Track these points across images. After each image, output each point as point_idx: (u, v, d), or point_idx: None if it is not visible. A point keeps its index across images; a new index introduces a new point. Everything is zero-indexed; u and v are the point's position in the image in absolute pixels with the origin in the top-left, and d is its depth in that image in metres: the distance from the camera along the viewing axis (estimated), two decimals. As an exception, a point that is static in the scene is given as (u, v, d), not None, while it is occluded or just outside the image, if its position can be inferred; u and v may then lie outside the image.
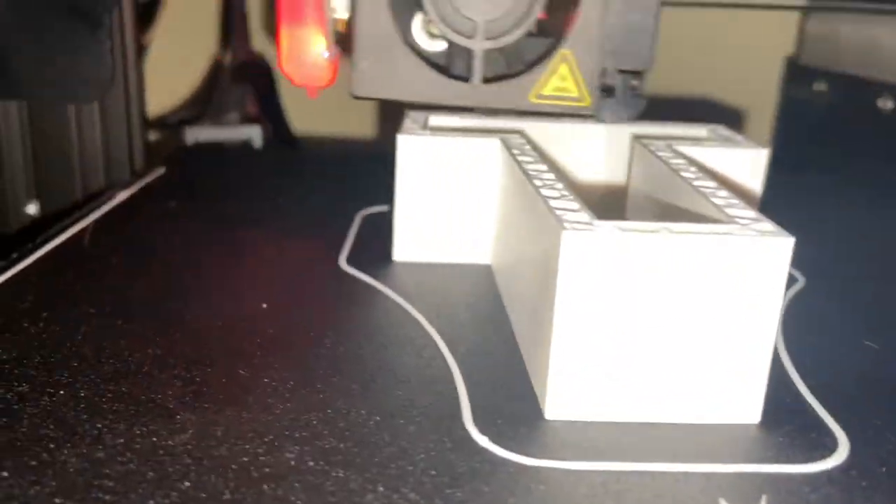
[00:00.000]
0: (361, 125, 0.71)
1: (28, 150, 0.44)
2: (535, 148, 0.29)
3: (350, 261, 0.32)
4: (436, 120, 0.35)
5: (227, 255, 0.32)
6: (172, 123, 0.64)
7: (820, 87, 0.58)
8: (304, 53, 0.31)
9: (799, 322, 0.28)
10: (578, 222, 0.20)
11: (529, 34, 0.29)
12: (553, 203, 0.22)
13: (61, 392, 0.21)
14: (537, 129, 0.34)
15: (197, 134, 0.51)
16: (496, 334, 0.26)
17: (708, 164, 0.30)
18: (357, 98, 0.30)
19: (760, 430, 0.21)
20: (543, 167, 0.26)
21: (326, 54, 0.31)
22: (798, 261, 0.33)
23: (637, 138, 0.32)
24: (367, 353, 0.24)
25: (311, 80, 0.32)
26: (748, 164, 0.31)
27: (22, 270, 0.29)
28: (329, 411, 0.21)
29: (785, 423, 0.21)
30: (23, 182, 0.44)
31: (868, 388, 0.24)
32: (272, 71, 0.66)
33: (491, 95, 0.30)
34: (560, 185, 0.24)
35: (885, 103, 0.50)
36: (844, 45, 0.56)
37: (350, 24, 0.30)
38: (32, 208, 0.45)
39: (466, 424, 0.20)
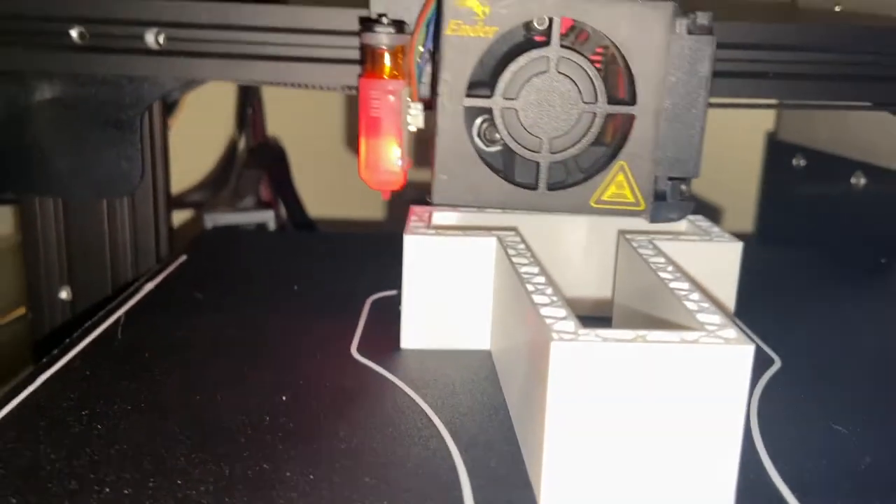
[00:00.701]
0: (371, 209, 0.75)
1: (62, 240, 0.47)
2: (529, 248, 0.32)
3: (361, 349, 0.35)
4: (439, 217, 0.38)
5: (248, 346, 0.35)
6: (190, 203, 0.68)
7: (799, 162, 0.61)
8: (381, 162, 0.35)
9: (773, 405, 0.30)
10: (565, 332, 0.23)
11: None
12: (543, 311, 0.25)
13: (107, 490, 0.23)
14: (532, 225, 0.37)
15: (215, 219, 0.54)
16: (495, 422, 0.28)
17: (687, 259, 0.33)
18: (435, 205, 0.34)
19: (733, 517, 0.23)
20: (535, 270, 0.29)
21: (400, 163, 0.35)
22: (776, 342, 0.36)
23: (622, 233, 0.35)
24: (379, 445, 0.27)
25: (385, 185, 0.36)
26: (723, 257, 0.34)
27: (63, 366, 0.32)
28: (345, 504, 0.23)
29: (755, 508, 0.24)
30: (56, 269, 0.48)
31: (832, 471, 0.26)
32: (286, 155, 0.70)
33: (555, 201, 0.33)
34: (550, 291, 0.27)
35: (858, 180, 0.54)
36: (818, 123, 0.59)
37: (430, 139, 0.34)
38: (65, 294, 0.48)
39: (469, 514, 0.23)
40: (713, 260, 0.34)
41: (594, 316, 0.38)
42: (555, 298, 0.26)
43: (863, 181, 0.54)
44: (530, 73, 0.32)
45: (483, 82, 0.33)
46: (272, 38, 0.40)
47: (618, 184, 0.33)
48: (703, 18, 0.32)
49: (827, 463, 0.26)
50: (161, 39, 0.40)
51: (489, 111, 0.33)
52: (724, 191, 0.70)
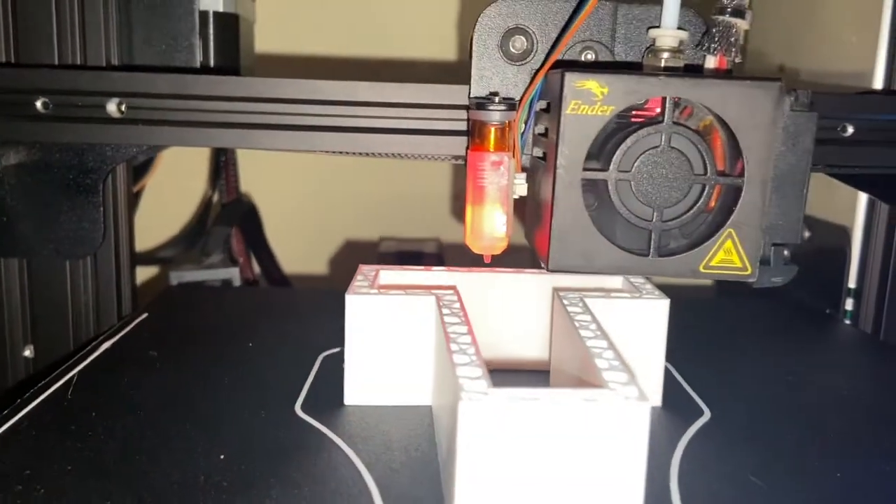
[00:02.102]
0: (341, 262, 0.77)
1: (26, 299, 0.49)
2: (462, 307, 0.34)
3: (305, 406, 0.36)
4: (386, 276, 0.39)
5: (195, 405, 0.36)
6: (161, 259, 0.69)
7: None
8: (486, 228, 0.37)
9: (696, 455, 0.31)
10: (475, 391, 0.24)
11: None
12: (460, 370, 0.26)
13: (36, 550, 0.24)
14: (473, 283, 0.38)
15: (181, 276, 0.56)
16: (425, 478, 0.29)
17: (617, 316, 0.34)
18: (552, 271, 0.35)
19: (639, 569, 0.24)
20: (463, 329, 0.31)
21: (504, 229, 0.37)
22: (710, 394, 0.37)
23: (556, 290, 0.37)
24: (306, 501, 0.28)
25: (489, 250, 0.38)
26: (652, 314, 0.35)
27: (11, 427, 0.33)
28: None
29: (661, 561, 0.25)
30: (19, 328, 0.49)
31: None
32: (257, 212, 0.72)
33: (665, 267, 0.34)
34: (472, 351, 0.28)
35: (804, 234, 0.55)
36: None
37: (540, 204, 0.36)
38: (28, 352, 0.49)
39: (384, 570, 0.24)
40: (642, 317, 0.35)
41: (537, 371, 0.39)
42: (474, 358, 0.27)
43: (807, 234, 0.56)
44: (644, 148, 0.34)
45: (589, 155, 0.35)
46: (227, 106, 0.42)
47: (726, 250, 0.34)
48: (804, 96, 0.34)
49: (738, 514, 0.27)
50: (123, 108, 0.42)
51: (590, 183, 0.34)
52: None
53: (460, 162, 0.43)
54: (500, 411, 0.24)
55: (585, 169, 0.34)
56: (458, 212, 0.74)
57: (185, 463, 0.30)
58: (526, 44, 0.40)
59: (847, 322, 0.52)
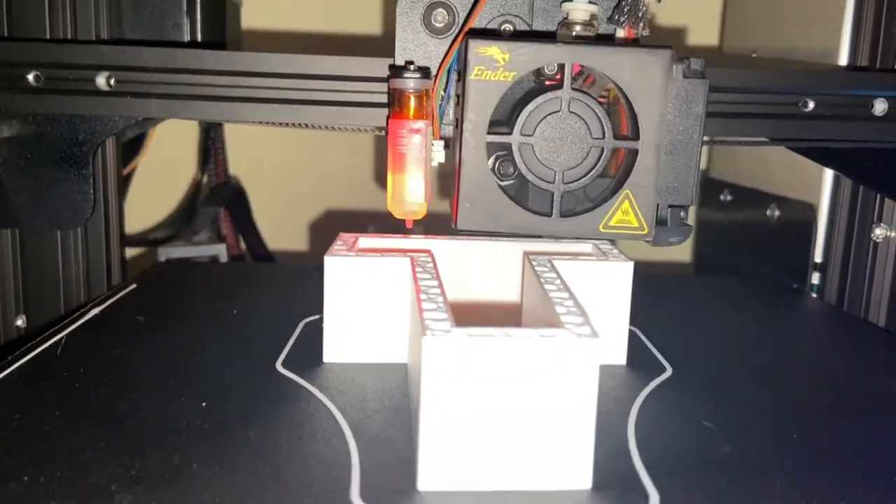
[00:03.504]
0: (326, 239, 0.78)
1: (18, 270, 0.50)
2: (435, 266, 0.35)
3: (285, 364, 0.37)
4: (365, 241, 0.41)
5: (179, 363, 0.37)
6: (151, 240, 0.70)
7: (726, 197, 0.65)
8: (406, 194, 0.39)
9: (655, 405, 0.33)
10: (439, 330, 0.26)
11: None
12: (427, 314, 0.28)
13: (25, 479, 0.26)
14: (448, 248, 0.40)
15: (169, 252, 0.57)
16: (396, 423, 0.31)
17: (583, 278, 0.36)
18: (460, 230, 0.37)
19: (592, 494, 0.26)
20: (434, 283, 0.32)
21: (422, 194, 0.39)
22: (674, 354, 0.39)
23: (527, 254, 0.38)
24: (284, 443, 0.29)
25: (410, 215, 0.39)
26: (616, 275, 0.37)
27: (1, 378, 0.34)
28: (242, 492, 0.26)
29: (614, 486, 0.26)
30: (12, 298, 0.50)
31: (691, 459, 0.29)
32: (245, 193, 0.73)
33: (567, 227, 0.37)
34: (440, 300, 0.30)
35: (773, 212, 0.57)
36: (743, 160, 0.64)
37: (454, 170, 0.37)
38: (20, 321, 0.51)
39: (353, 497, 0.25)
40: (607, 279, 0.37)
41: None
42: (441, 304, 0.29)
43: (777, 213, 0.57)
44: (545, 113, 0.36)
45: (500, 122, 0.37)
46: (213, 80, 0.44)
47: (623, 210, 0.36)
48: (696, 64, 0.36)
49: (687, 450, 0.29)
50: (112, 82, 0.44)
51: (504, 149, 0.37)
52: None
53: (384, 133, 0.44)
54: (461, 346, 0.25)
55: (491, 133, 0.36)
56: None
57: (168, 409, 0.32)
58: (448, 17, 0.42)
59: (813, 295, 0.54)
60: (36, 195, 0.47)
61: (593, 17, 0.39)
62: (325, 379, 0.36)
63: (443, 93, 0.40)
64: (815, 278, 0.53)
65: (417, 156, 0.38)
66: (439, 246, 0.40)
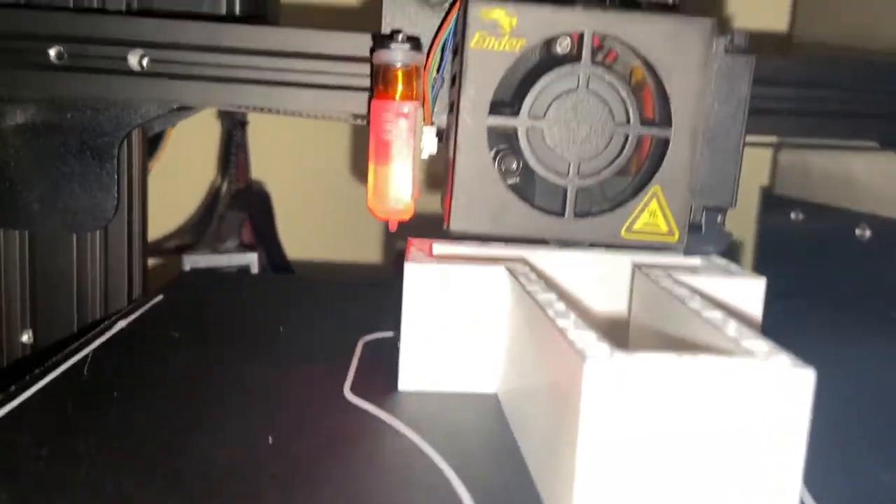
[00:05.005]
0: (351, 251, 0.72)
1: (26, 277, 0.44)
2: (541, 277, 0.30)
3: (354, 390, 0.31)
4: (440, 248, 0.35)
5: (229, 387, 0.31)
6: (171, 248, 0.64)
7: (797, 216, 0.60)
8: (390, 190, 0.32)
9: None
10: (599, 354, 0.20)
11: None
12: (571, 333, 0.22)
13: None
14: (539, 257, 0.34)
15: (195, 261, 0.51)
16: (510, 467, 0.25)
17: (708, 294, 0.31)
18: (453, 233, 0.31)
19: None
20: (553, 296, 0.27)
21: (410, 191, 0.32)
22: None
23: (637, 267, 0.33)
24: (381, 492, 0.23)
25: (393, 215, 0.33)
26: (747, 293, 0.31)
27: (21, 404, 0.28)
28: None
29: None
30: (18, 309, 0.44)
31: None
32: (269, 199, 0.67)
33: (583, 230, 0.31)
34: (573, 315, 0.24)
35: (864, 232, 0.52)
36: (818, 176, 0.59)
37: (447, 161, 0.31)
38: (26, 337, 0.44)
39: (490, 570, 0.20)
40: (735, 297, 0.31)
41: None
42: (580, 323, 0.23)
43: (868, 232, 0.52)
44: (558, 91, 0.30)
45: (503, 103, 0.31)
46: (264, 62, 0.38)
47: (651, 212, 0.31)
48: (740, 38, 0.30)
49: None
50: (145, 62, 0.38)
51: (505, 140, 0.31)
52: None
53: (355, 121, 0.38)
54: (635, 373, 0.20)
55: (493, 114, 0.30)
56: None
57: (228, 442, 0.26)
58: None
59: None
60: (51, 192, 0.41)
61: None
62: (406, 410, 0.30)
63: (436, 73, 0.34)
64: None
65: (404, 144, 0.32)
66: (531, 255, 0.34)
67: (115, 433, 0.26)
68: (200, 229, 0.64)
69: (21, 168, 0.41)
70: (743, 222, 0.68)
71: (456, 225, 0.31)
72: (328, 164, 0.72)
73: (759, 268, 0.68)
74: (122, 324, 0.38)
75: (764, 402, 0.20)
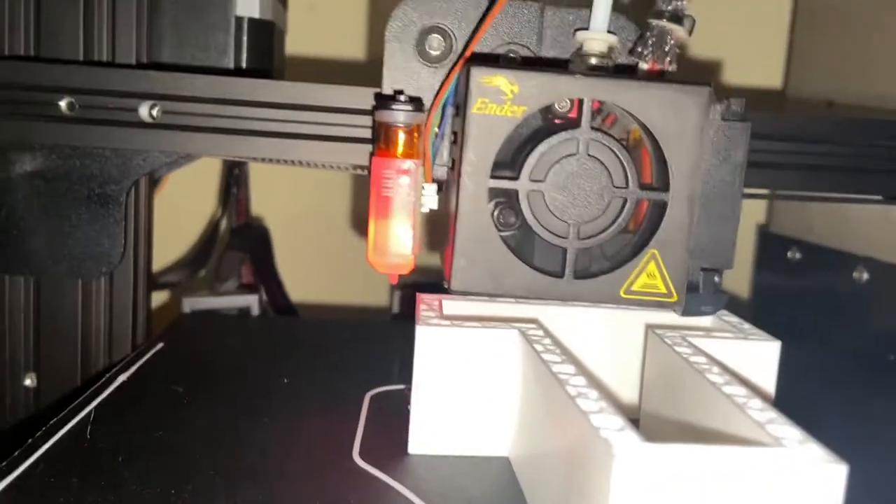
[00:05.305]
0: (355, 292, 0.72)
1: (30, 321, 0.43)
2: (556, 342, 0.30)
3: (363, 453, 0.31)
4: (450, 306, 0.35)
5: (235, 449, 0.31)
6: (166, 284, 0.64)
7: (794, 255, 0.60)
8: (390, 245, 0.33)
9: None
10: (628, 447, 0.20)
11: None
12: (594, 419, 0.22)
13: None
14: (550, 315, 0.34)
15: (194, 303, 0.51)
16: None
17: (720, 359, 0.31)
18: (454, 292, 0.31)
19: None
20: (572, 369, 0.26)
21: (410, 246, 0.33)
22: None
23: (650, 328, 0.33)
24: (398, 574, 0.23)
25: (394, 269, 0.33)
26: (762, 356, 0.31)
27: (24, 472, 0.27)
28: None
29: None
30: (21, 353, 0.43)
31: None
32: (269, 237, 0.67)
33: (582, 291, 0.31)
34: (594, 395, 0.24)
35: (861, 275, 0.52)
36: (815, 216, 0.59)
37: (447, 214, 0.32)
38: (29, 381, 0.44)
39: None
40: (749, 360, 0.31)
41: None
42: (604, 405, 0.23)
43: (865, 275, 0.53)
44: (558, 156, 0.31)
45: (503, 164, 0.32)
46: (269, 114, 0.38)
47: (649, 273, 0.31)
48: (736, 105, 0.31)
49: None
50: (155, 112, 0.38)
51: (504, 195, 0.31)
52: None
53: (359, 172, 0.38)
54: (665, 465, 0.19)
55: (494, 177, 0.30)
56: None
57: (241, 521, 0.25)
58: (444, 44, 0.36)
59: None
60: (58, 239, 0.41)
61: (612, 48, 0.34)
62: (419, 477, 0.29)
63: (437, 129, 0.34)
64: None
65: (405, 200, 0.33)
66: (542, 313, 0.34)
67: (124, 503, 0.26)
68: (197, 265, 0.64)
69: (28, 214, 0.40)
70: (738, 258, 0.68)
71: (457, 286, 0.31)
72: (331, 202, 0.72)
73: (756, 308, 0.69)
74: (122, 377, 0.37)
75: (794, 495, 0.20)
